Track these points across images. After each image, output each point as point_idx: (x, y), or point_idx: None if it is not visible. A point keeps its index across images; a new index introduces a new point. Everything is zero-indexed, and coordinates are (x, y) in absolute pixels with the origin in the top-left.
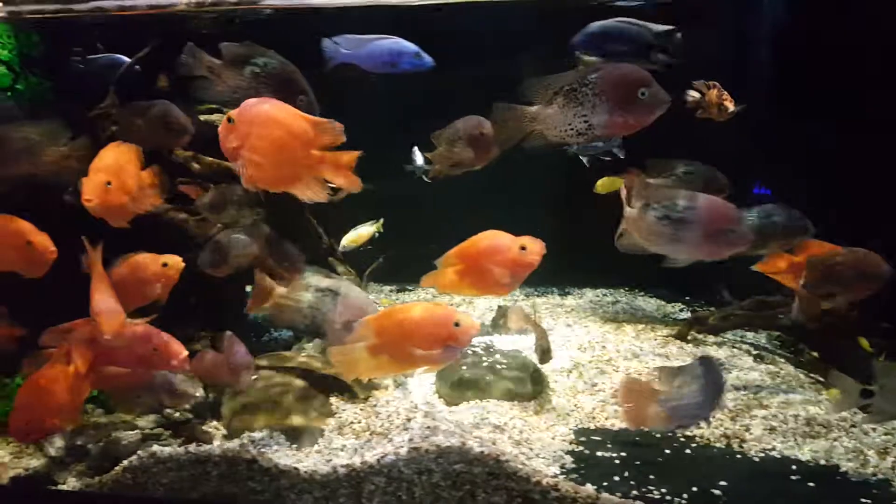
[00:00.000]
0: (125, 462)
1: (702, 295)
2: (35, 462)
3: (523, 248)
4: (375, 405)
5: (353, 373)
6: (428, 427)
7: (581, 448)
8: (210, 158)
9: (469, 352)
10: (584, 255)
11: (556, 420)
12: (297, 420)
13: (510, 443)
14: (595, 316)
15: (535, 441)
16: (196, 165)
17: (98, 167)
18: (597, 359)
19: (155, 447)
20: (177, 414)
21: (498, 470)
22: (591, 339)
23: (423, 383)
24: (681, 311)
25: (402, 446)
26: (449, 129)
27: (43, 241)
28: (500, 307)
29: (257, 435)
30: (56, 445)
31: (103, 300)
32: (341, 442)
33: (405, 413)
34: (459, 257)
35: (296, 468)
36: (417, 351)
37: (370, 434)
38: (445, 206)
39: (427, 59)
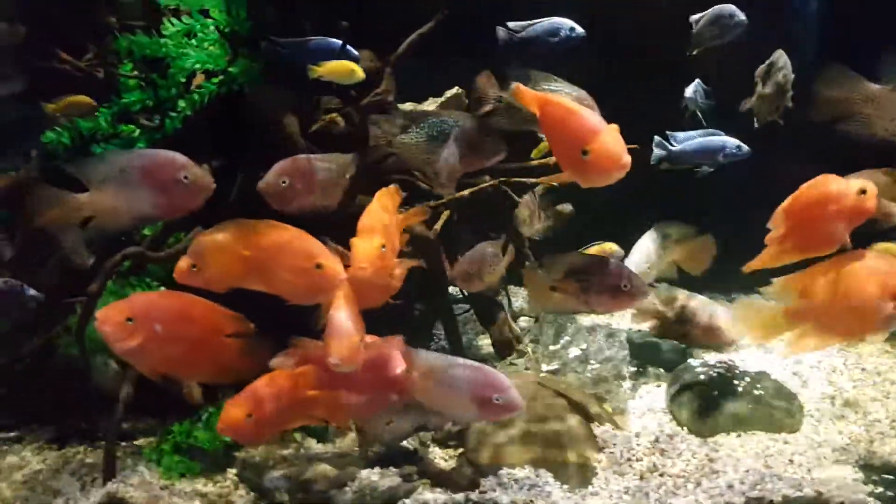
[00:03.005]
0: None
1: None
2: None
3: (863, 192)
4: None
5: (761, 337)
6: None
7: (882, 489)
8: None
9: (713, 374)
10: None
11: (835, 455)
12: (566, 455)
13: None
14: None
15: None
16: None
17: (372, 226)
18: (852, 378)
19: (427, 494)
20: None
21: None
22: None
23: (646, 410)
24: None
25: (720, 493)
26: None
27: (333, 265)
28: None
29: (519, 473)
30: (285, 488)
31: (339, 324)
32: (623, 483)
33: (687, 450)
34: (784, 217)
35: None
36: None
37: (661, 475)
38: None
39: None
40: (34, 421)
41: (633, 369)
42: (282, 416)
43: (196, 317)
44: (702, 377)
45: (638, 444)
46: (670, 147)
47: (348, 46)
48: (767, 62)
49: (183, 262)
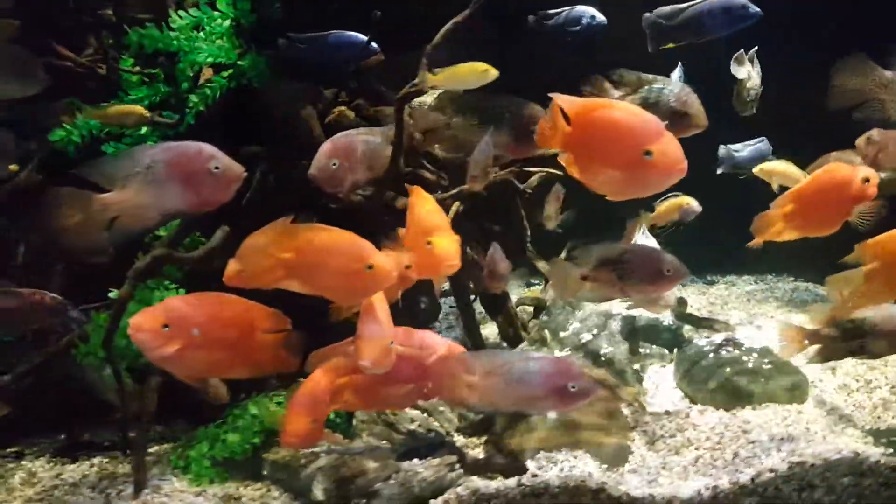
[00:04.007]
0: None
1: None
2: None
3: (866, 180)
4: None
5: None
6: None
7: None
8: None
9: (721, 351)
10: (721, 240)
11: (843, 422)
12: (601, 437)
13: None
14: (790, 306)
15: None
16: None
17: (443, 222)
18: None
19: (477, 482)
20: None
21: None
22: None
23: (657, 389)
24: None
25: (760, 461)
26: None
27: (385, 265)
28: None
29: (557, 456)
30: (321, 487)
31: (370, 324)
32: (659, 459)
33: (719, 423)
34: (794, 198)
35: (650, 495)
36: None
37: (696, 449)
38: None
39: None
40: (33, 434)
41: (643, 351)
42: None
43: (232, 316)
44: (711, 355)
45: (669, 422)
46: (734, 153)
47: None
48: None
49: (232, 266)
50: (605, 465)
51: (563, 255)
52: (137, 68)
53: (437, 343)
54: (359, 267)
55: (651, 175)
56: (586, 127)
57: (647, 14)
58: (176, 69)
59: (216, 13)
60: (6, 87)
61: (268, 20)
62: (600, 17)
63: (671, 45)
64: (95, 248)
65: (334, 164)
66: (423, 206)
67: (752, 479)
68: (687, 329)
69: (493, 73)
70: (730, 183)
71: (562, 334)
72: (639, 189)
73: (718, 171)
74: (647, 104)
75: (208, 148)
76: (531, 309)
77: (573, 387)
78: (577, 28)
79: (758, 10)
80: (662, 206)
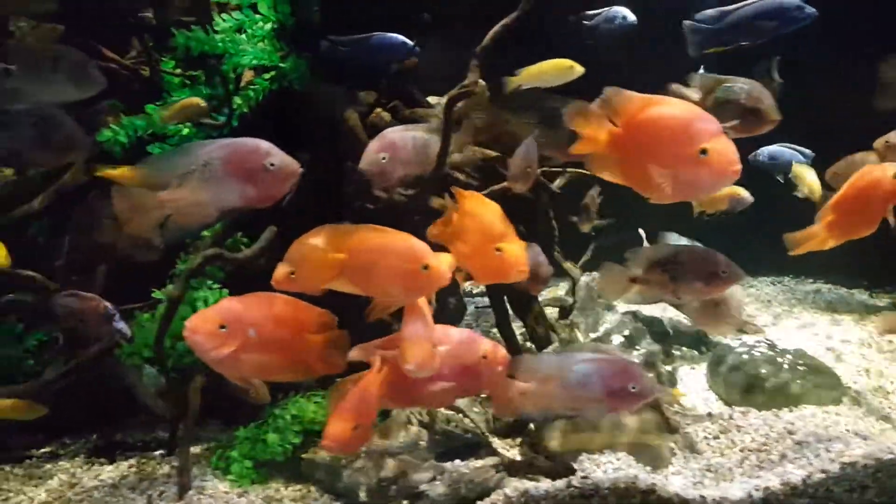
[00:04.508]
0: None
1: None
2: None
3: None
4: (693, 416)
5: None
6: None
7: None
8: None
9: (755, 353)
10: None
11: (883, 423)
12: (643, 438)
13: None
14: (814, 308)
15: None
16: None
17: (509, 228)
18: (881, 350)
19: (526, 483)
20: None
21: None
22: (844, 335)
23: (690, 391)
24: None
25: (809, 462)
26: None
27: (440, 266)
28: None
29: (601, 458)
30: (364, 488)
31: (415, 326)
32: (703, 461)
33: (764, 425)
34: (833, 208)
35: (701, 496)
36: None
37: (741, 451)
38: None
39: None
40: (65, 434)
41: (676, 353)
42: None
43: (286, 317)
44: (745, 356)
45: (712, 423)
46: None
47: (406, 40)
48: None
49: (281, 269)
50: (647, 468)
51: (587, 255)
52: (179, 70)
53: (479, 341)
54: (415, 267)
55: (705, 175)
56: (639, 125)
57: (687, 21)
58: (218, 71)
59: (258, 16)
60: (63, 90)
61: (307, 23)
62: (631, 17)
63: (716, 49)
64: (148, 246)
65: (384, 159)
66: (487, 211)
67: (804, 481)
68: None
69: (579, 69)
70: (748, 184)
71: (592, 335)
72: (690, 190)
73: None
74: (719, 102)
75: (264, 144)
76: (556, 309)
77: (634, 387)
78: (611, 27)
79: (813, 10)
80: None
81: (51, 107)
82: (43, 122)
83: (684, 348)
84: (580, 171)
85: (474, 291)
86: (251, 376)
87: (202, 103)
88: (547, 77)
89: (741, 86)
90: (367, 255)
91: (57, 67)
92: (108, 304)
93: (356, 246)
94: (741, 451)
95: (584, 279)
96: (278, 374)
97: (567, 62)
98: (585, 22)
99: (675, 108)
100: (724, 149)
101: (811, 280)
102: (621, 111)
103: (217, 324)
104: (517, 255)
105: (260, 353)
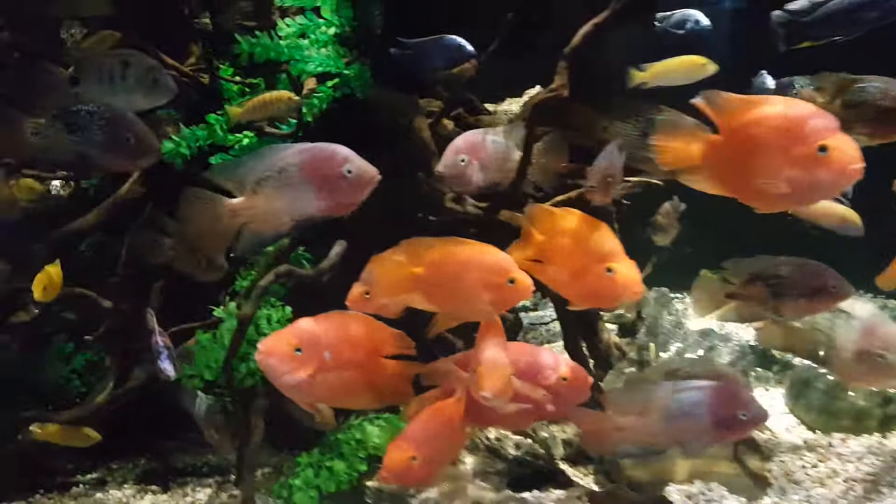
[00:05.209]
0: None
1: None
2: None
3: None
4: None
5: None
6: None
7: None
8: None
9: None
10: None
11: None
12: (736, 467)
13: None
14: None
15: None
16: None
17: (607, 249)
18: None
19: None
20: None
21: None
22: None
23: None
24: None
25: None
26: None
27: (526, 279)
28: None
29: (691, 489)
30: None
31: (491, 349)
32: (802, 492)
33: (850, 451)
34: None
35: None
36: None
37: (844, 481)
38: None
39: None
40: (111, 457)
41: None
42: (449, 452)
43: (362, 338)
44: (830, 377)
45: (809, 451)
46: None
47: (463, 43)
48: None
49: (357, 289)
50: (743, 499)
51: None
52: (238, 77)
53: (559, 361)
54: (501, 280)
55: (824, 176)
56: (744, 127)
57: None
58: (278, 78)
59: (321, 20)
60: (132, 99)
61: (369, 28)
62: (705, 21)
63: (807, 44)
64: (211, 265)
65: (463, 161)
66: (591, 228)
67: None
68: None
69: (713, 67)
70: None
71: (662, 355)
72: (806, 195)
73: None
74: (850, 105)
75: (342, 150)
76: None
77: (744, 415)
78: (682, 31)
79: None
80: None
81: (119, 107)
82: (112, 124)
83: (759, 369)
84: (652, 180)
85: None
86: (323, 402)
87: (294, 96)
88: (677, 75)
89: (877, 85)
90: (449, 268)
91: (126, 74)
92: (159, 340)
93: (437, 259)
94: (844, 481)
95: (651, 294)
96: (350, 400)
97: (701, 59)
98: (656, 24)
99: (785, 105)
100: (845, 145)
101: (870, 295)
102: (721, 115)
103: (293, 346)
104: (631, 275)
105: (335, 377)
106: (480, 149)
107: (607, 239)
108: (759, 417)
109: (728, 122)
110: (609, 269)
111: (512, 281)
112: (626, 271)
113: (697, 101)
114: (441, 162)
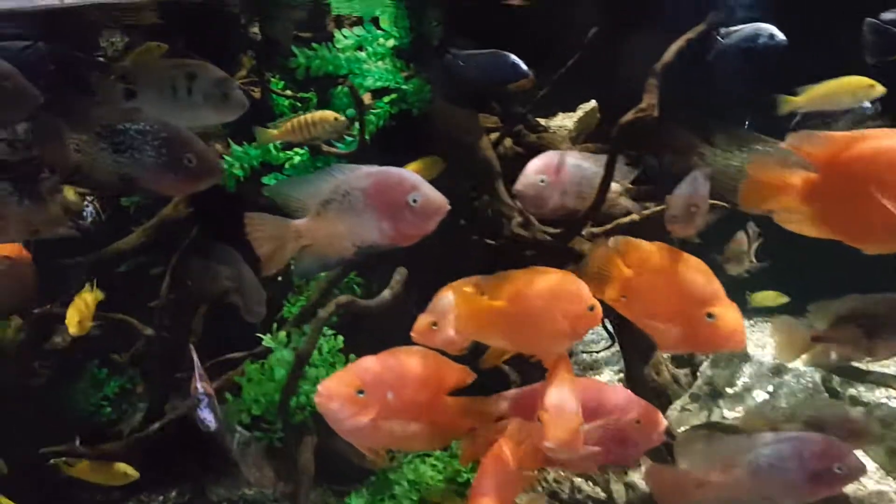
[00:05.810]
0: None
1: None
2: None
3: None
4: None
5: None
6: None
7: None
8: None
9: None
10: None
11: None
12: None
13: None
14: None
15: None
16: None
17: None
18: None
19: None
20: None
21: None
22: None
23: None
24: None
25: None
26: None
27: (598, 307)
28: None
29: None
30: None
31: (560, 396)
32: None
33: None
34: None
35: None
36: None
37: None
38: None
39: None
40: (141, 489)
41: None
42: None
43: (426, 376)
44: None
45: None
46: None
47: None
48: None
49: (423, 320)
50: None
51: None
52: (289, 91)
53: (632, 402)
54: (581, 309)
55: None
56: (848, 164)
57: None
58: (353, 92)
59: (378, 32)
60: (198, 114)
61: (426, 40)
62: (780, 36)
63: None
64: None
65: (542, 182)
66: (692, 268)
67: None
68: (838, 382)
69: (880, 89)
70: None
71: (728, 390)
72: None
73: None
74: None
75: (410, 176)
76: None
77: (840, 468)
78: (752, 46)
79: None
80: None
81: (174, 126)
82: (169, 144)
83: None
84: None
85: None
86: (383, 446)
87: (340, 117)
88: (838, 98)
89: None
90: (530, 301)
91: (191, 88)
92: (199, 386)
93: (518, 291)
94: None
95: None
96: (412, 443)
97: (866, 80)
98: (720, 38)
99: (885, 138)
100: None
101: None
102: (818, 154)
103: (355, 387)
104: (736, 323)
105: (398, 419)
106: (562, 170)
107: (708, 279)
108: (857, 471)
109: (827, 160)
110: (710, 315)
111: (591, 308)
112: (730, 318)
113: (788, 142)
114: (519, 181)
